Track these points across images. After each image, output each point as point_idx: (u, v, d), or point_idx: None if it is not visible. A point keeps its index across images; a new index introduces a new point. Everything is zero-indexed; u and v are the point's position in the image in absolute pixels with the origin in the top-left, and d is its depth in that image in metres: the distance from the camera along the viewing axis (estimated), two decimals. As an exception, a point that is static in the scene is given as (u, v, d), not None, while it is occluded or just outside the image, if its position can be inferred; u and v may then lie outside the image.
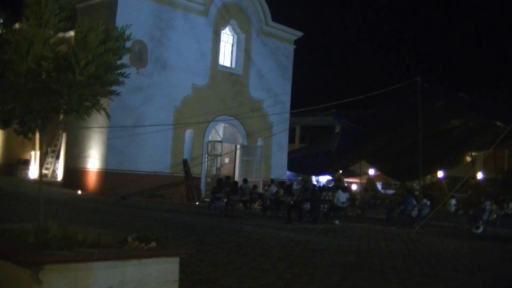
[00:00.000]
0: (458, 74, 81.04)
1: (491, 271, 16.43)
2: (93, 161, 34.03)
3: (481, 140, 43.31)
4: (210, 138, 39.25)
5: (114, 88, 9.16)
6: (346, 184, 50.13)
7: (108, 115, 9.77)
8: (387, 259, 17.24)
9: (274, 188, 32.75)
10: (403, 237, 24.37)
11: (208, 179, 38.37)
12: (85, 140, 34.37)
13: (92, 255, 6.91)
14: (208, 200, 32.95)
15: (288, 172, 44.87)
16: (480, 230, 29.15)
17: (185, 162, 36.60)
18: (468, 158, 48.63)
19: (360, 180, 53.67)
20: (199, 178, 37.62)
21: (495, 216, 32.04)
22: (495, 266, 17.72)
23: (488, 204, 31.60)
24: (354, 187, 53.14)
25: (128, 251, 7.50)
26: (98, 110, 8.95)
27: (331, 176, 51.31)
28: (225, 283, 11.62)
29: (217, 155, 39.57)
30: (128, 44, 9.19)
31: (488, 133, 40.55)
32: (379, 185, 55.41)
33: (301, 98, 46.83)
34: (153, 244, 7.61)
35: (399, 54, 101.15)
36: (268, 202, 32.52)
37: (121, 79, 9.08)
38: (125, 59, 9.56)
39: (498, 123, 38.65)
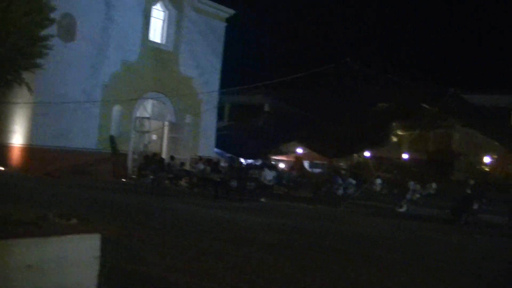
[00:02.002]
0: (387, 56, 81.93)
1: (416, 250, 16.77)
2: (18, 137, 33.23)
3: (408, 121, 44.02)
4: (138, 115, 38.87)
5: (38, 61, 8.95)
6: (273, 163, 50.36)
7: (30, 89, 9.58)
8: (313, 237, 17.42)
9: (201, 166, 32.73)
10: (329, 216, 24.65)
11: (135, 156, 38.00)
12: (9, 115, 33.47)
13: (10, 233, 6.75)
14: (135, 177, 32.73)
15: (216, 149, 44.79)
16: (404, 209, 29.70)
17: (112, 138, 36.15)
18: (394, 139, 49.38)
19: (288, 158, 53.95)
20: (126, 155, 37.23)
21: (418, 195, 32.69)
22: (419, 244, 18.08)
23: (412, 184, 32.24)
24: (281, 165, 53.38)
25: (48, 228, 7.35)
26: (20, 84, 8.72)
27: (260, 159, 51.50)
28: (151, 260, 11.52)
29: (145, 132, 39.23)
30: (55, 16, 8.98)
31: (415, 114, 41.19)
32: (306, 164, 55.83)
33: (232, 76, 46.70)
34: (74, 220, 7.48)
35: (330, 34, 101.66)
36: (195, 179, 32.44)
37: (45, 51, 8.87)
38: (53, 32, 9.34)
39: (425, 105, 39.31)
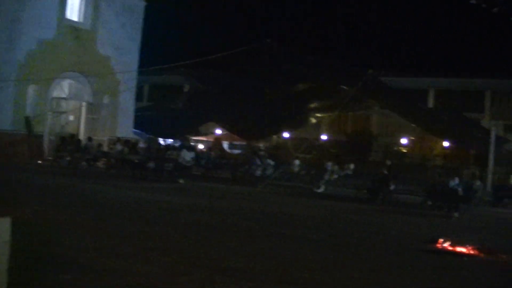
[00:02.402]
0: (308, 37, 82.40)
1: (332, 229, 17.01)
2: None
3: (327, 103, 44.45)
4: (55, 95, 38.01)
5: None
6: (192, 143, 50.23)
7: None
8: (231, 217, 17.49)
9: (119, 147, 32.36)
10: (248, 196, 24.77)
11: (52, 137, 37.22)
12: None
13: None
14: (51, 158, 32.16)
15: (135, 130, 44.32)
16: (322, 189, 30.09)
17: (27, 119, 35.29)
18: (314, 120, 49.83)
19: (207, 139, 53.88)
20: (42, 136, 36.42)
21: (336, 176, 33.15)
22: (335, 223, 18.35)
23: (329, 165, 32.68)
24: (200, 146, 53.27)
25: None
26: None
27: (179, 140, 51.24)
28: (65, 242, 11.36)
29: (61, 113, 38.48)
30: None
31: (334, 96, 41.63)
32: (226, 145, 55.90)
33: (152, 56, 46.19)
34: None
35: (251, 14, 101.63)
36: (113, 160, 32.07)
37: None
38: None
39: (344, 87, 39.77)
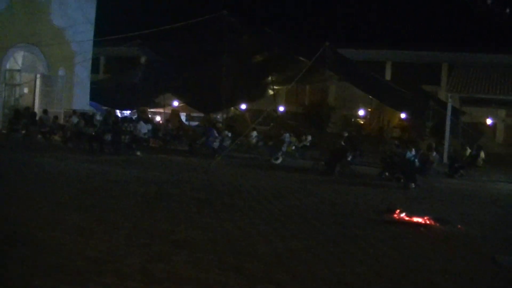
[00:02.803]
0: (265, 9, 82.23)
1: (291, 200, 17.03)
2: None
3: (285, 74, 44.38)
4: (8, 67, 37.31)
5: None
6: (149, 116, 49.89)
7: None
8: (188, 189, 17.42)
9: (75, 119, 31.93)
10: (205, 168, 24.68)
11: (6, 110, 36.60)
12: None
13: None
14: (5, 132, 31.67)
15: (91, 103, 43.78)
16: (279, 161, 30.10)
17: (-20, 92, 34.67)
18: (271, 92, 49.71)
19: (164, 111, 53.44)
20: (-5, 109, 35.81)
21: (293, 147, 33.24)
22: (291, 194, 18.36)
23: (287, 136, 32.71)
24: (157, 118, 52.90)
25: None
26: None
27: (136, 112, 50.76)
28: (21, 219, 11.20)
29: (15, 85, 37.84)
30: None
31: (291, 68, 41.53)
32: (183, 117, 55.55)
33: (107, 28, 45.50)
34: None
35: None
36: (69, 133, 31.63)
37: None
38: None
39: (301, 59, 39.67)
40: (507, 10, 24.97)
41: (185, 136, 37.28)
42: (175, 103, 52.49)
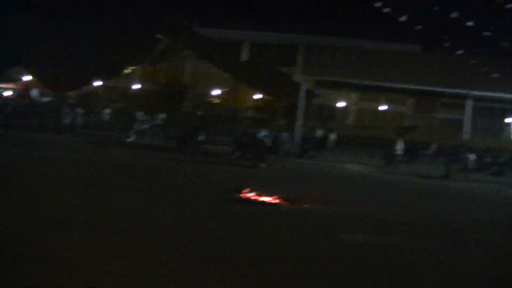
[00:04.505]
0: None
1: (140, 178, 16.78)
2: None
3: (140, 51, 43.74)
4: None
5: None
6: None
7: None
8: (42, 166, 16.87)
9: None
10: (56, 145, 24.01)
11: None
12: None
13: None
14: None
15: None
16: (132, 139, 29.58)
17: None
18: (128, 70, 48.80)
19: (16, 86, 51.20)
20: None
21: (146, 125, 32.74)
22: (142, 172, 18.11)
23: (139, 114, 32.22)
24: (7, 93, 50.67)
25: None
26: None
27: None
28: None
29: None
30: None
31: (148, 45, 40.96)
32: (35, 92, 53.48)
33: None
34: None
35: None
36: None
37: None
38: None
39: (159, 36, 39.18)
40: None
41: (35, 112, 35.94)
42: (27, 78, 50.37)
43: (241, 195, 14.95)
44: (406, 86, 38.58)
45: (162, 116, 33.84)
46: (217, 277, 8.14)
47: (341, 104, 51.90)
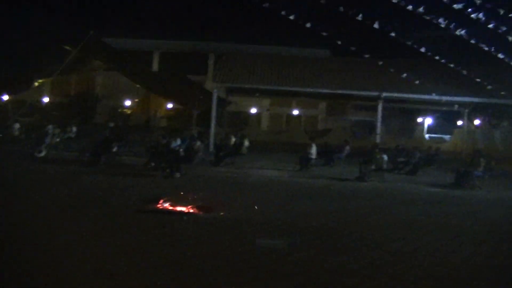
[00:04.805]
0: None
1: (53, 193, 16.47)
2: None
3: (49, 63, 43.04)
4: None
5: None
6: None
7: None
8: None
9: None
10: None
11: None
12: None
13: None
14: None
15: None
16: (43, 153, 28.97)
17: None
18: (37, 83, 48.00)
19: None
20: None
21: (58, 139, 32.14)
22: (56, 187, 17.79)
23: (50, 128, 31.57)
24: None
25: None
26: None
27: None
28: None
29: None
30: None
31: (56, 57, 40.33)
32: None
33: None
34: None
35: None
36: None
37: None
38: None
39: (67, 47, 38.63)
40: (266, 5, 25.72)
41: None
42: None
43: (156, 205, 14.91)
44: (317, 90, 39.15)
45: (74, 128, 33.31)
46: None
47: (254, 110, 52.30)
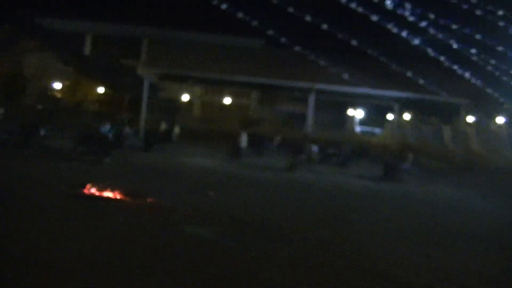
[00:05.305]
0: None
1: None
2: None
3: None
4: None
5: None
6: None
7: None
8: None
9: None
10: None
11: None
12: None
13: None
14: None
15: None
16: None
17: None
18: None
19: None
20: None
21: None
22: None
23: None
24: None
25: None
26: None
27: None
28: None
29: None
30: None
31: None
32: None
33: None
34: None
35: None
36: None
37: None
38: None
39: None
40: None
41: None
42: None
43: (84, 191, 14.74)
44: (249, 79, 39.22)
45: (1, 110, 32.57)
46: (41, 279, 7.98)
47: (186, 97, 51.94)
